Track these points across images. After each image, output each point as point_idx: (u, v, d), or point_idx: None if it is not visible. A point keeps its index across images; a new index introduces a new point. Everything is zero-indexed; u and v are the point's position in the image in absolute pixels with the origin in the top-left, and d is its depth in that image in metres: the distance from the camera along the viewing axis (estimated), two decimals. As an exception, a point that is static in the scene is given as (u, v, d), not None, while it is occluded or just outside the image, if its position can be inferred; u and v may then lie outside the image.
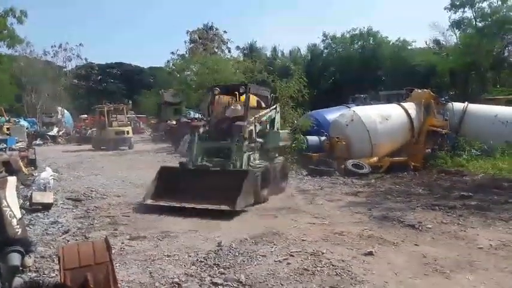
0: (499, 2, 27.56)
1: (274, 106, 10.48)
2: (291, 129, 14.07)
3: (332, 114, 15.97)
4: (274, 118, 10.36)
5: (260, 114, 9.73)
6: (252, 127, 9.01)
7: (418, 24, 76.55)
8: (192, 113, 30.27)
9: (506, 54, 29.46)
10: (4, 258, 4.17)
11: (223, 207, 7.43)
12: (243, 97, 10.28)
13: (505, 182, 10.14)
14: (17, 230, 4.45)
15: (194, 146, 8.97)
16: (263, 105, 10.60)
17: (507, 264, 5.01)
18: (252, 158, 9.06)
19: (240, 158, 8.61)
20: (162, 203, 7.97)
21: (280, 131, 10.49)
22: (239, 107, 9.64)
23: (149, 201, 8.13)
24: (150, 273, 4.81)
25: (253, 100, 11.06)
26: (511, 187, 9.64)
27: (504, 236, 6.10)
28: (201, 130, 10.00)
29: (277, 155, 10.37)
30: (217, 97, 10.40)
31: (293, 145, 13.72)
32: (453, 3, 29.11)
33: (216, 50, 34.86)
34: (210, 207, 7.49)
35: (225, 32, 37.91)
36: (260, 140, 9.51)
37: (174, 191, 8.15)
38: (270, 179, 8.98)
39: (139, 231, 6.53)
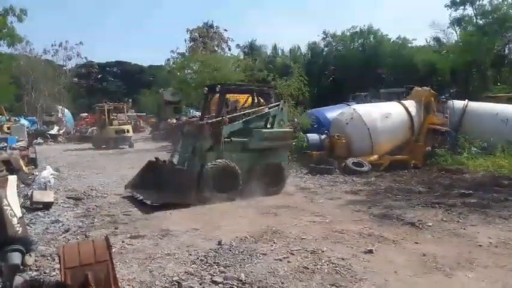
0: (500, 0, 27.56)
1: (276, 103, 10.01)
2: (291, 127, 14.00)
3: (332, 113, 15.97)
4: (275, 116, 9.79)
5: (239, 113, 9.62)
6: (221, 127, 8.90)
7: (419, 22, 76.43)
8: (192, 111, 30.28)
9: (507, 52, 29.41)
10: (5, 257, 4.18)
11: (148, 201, 8.11)
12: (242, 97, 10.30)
13: (505, 180, 10.15)
14: (17, 229, 4.45)
15: (178, 143, 9.40)
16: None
17: (507, 261, 5.02)
18: (227, 157, 8.84)
19: (201, 157, 8.77)
20: (133, 193, 8.99)
21: (264, 130, 9.50)
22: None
23: (128, 190, 9.29)
24: (151, 271, 4.82)
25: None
26: (511, 185, 9.64)
27: (504, 234, 6.11)
28: (186, 128, 10.12)
29: (283, 155, 9.88)
30: (215, 97, 10.34)
31: (293, 143, 13.71)
32: (454, 0, 29.03)
33: (216, 49, 34.74)
34: (144, 200, 8.27)
35: (225, 30, 37.84)
36: (241, 139, 9.18)
37: (148, 183, 9.14)
38: (236, 179, 8.76)
39: (139, 230, 6.54)
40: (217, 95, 10.03)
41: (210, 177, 8.44)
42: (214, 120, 9.03)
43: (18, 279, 3.99)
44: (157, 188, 8.80)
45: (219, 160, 8.73)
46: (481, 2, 28.36)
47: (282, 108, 9.91)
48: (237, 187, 8.78)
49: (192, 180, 8.38)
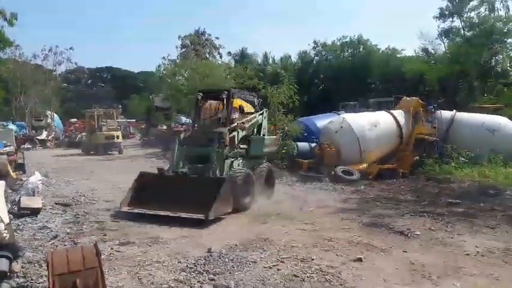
0: (487, 12, 28.12)
1: (261, 111, 10.30)
2: (281, 135, 14.08)
3: (322, 121, 16.08)
4: (261, 123, 10.14)
5: (244, 120, 9.57)
6: (235, 133, 8.87)
7: (408, 33, 77.60)
8: (183, 118, 30.21)
9: (493, 63, 29.88)
10: (-9, 264, 4.14)
11: (196, 215, 7.16)
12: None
13: (491, 189, 10.28)
14: (4, 235, 4.42)
15: (175, 151, 8.78)
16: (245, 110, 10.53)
17: (493, 270, 5.10)
18: (236, 165, 8.94)
19: (220, 165, 8.51)
20: (137, 210, 7.74)
21: (266, 137, 10.24)
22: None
23: (125, 208, 7.88)
24: (139, 279, 4.80)
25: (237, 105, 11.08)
26: (497, 194, 9.78)
27: (490, 243, 6.20)
28: (182, 135, 9.91)
29: (264, 161, 10.19)
30: (206, 102, 10.35)
31: (283, 151, 13.79)
32: (442, 12, 29.60)
33: (208, 56, 34.81)
34: (183, 215, 7.26)
35: (217, 38, 38.02)
36: (244, 146, 9.37)
37: (152, 198, 7.85)
38: (253, 187, 8.70)
39: (128, 237, 6.50)
40: (209, 100, 10.10)
41: (238, 185, 8.11)
42: (231, 126, 8.97)
43: (5, 286, 3.95)
44: (167, 200, 7.61)
45: (243, 168, 8.89)
46: (468, 14, 28.94)
47: (265, 117, 10.45)
48: (251, 193, 8.63)
49: (236, 187, 7.97)
